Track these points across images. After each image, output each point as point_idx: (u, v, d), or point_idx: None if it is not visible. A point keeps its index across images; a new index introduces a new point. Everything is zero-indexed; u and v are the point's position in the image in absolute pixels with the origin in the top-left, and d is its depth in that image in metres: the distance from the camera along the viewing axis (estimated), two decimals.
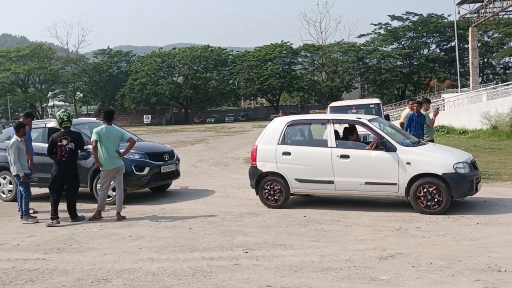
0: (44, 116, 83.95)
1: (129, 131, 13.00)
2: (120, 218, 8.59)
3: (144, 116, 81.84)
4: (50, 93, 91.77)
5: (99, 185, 9.25)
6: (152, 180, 10.49)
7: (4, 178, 11.04)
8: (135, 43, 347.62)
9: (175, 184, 11.90)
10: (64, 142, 8.55)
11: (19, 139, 8.86)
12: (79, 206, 10.05)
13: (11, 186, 10.97)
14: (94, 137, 8.60)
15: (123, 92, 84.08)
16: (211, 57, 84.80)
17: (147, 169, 10.27)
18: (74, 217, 8.68)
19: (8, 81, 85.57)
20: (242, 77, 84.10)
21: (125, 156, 10.03)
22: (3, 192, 11.11)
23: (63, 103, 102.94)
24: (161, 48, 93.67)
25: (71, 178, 8.74)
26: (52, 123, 11.27)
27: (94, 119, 13.02)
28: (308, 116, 10.51)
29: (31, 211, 9.06)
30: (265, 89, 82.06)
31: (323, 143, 8.80)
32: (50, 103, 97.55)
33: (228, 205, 9.57)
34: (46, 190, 11.52)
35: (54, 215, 8.50)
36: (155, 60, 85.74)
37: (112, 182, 8.98)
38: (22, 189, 8.86)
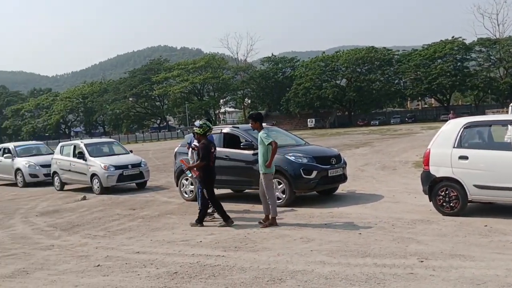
0: (217, 122, 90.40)
1: (295, 134, 13.38)
2: (274, 222, 8.58)
3: (308, 119, 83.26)
4: (221, 100, 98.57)
5: (266, 190, 8.89)
6: (319, 184, 10.61)
7: (186, 179, 12.09)
8: (299, 49, 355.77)
9: (341, 188, 11.87)
10: (213, 149, 9.09)
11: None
12: (252, 207, 10.66)
13: (192, 187, 12.00)
14: (270, 139, 8.55)
15: (288, 96, 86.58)
16: (376, 58, 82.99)
17: (314, 173, 10.42)
18: (227, 219, 8.96)
19: (186, 91, 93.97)
20: (408, 77, 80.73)
21: (293, 160, 10.40)
22: (186, 192, 12.20)
23: (233, 109, 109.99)
24: (324, 52, 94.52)
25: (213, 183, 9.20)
26: (227, 129, 12.09)
27: (264, 124, 13.55)
28: (487, 117, 9.66)
29: (209, 210, 9.78)
30: (434, 88, 77.62)
31: (506, 146, 8.02)
32: (222, 110, 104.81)
33: (398, 211, 9.24)
34: (223, 191, 12.43)
35: (226, 217, 8.93)
36: (319, 64, 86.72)
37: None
38: (201, 190, 9.62)
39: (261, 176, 8.72)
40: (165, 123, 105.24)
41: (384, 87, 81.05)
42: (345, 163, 11.44)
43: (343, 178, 11.23)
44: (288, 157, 10.50)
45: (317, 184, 10.55)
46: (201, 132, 9.05)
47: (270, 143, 8.50)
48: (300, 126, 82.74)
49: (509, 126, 8.18)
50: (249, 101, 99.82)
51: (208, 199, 9.08)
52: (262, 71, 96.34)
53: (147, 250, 7.47)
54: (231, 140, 11.79)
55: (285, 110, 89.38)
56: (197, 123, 9.31)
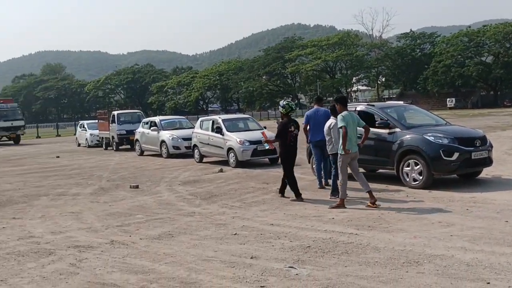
0: (349, 100, 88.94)
1: (435, 114, 12.66)
2: (373, 197, 8.56)
3: (448, 99, 78.27)
4: (354, 78, 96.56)
5: (339, 170, 8.92)
6: (461, 166, 9.97)
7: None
8: (440, 24, 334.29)
9: (485, 172, 11.05)
10: (292, 128, 9.48)
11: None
12: (386, 187, 10.39)
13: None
14: (342, 123, 8.58)
15: (426, 75, 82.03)
16: None
17: (456, 155, 9.80)
18: (298, 196, 9.51)
19: (319, 68, 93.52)
20: None
21: (432, 140, 9.88)
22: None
23: (365, 88, 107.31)
24: (469, 27, 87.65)
25: (294, 160, 9.71)
26: (361, 107, 11.84)
27: (401, 102, 13.06)
28: None
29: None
30: None
31: None
32: (354, 88, 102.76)
33: None
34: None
35: (298, 193, 9.51)
36: (461, 40, 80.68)
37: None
38: (334, 167, 9.60)
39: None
40: (296, 101, 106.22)
41: None
42: (491, 145, 10.61)
43: (488, 161, 10.42)
44: (427, 137, 10.00)
45: (459, 167, 9.93)
46: (283, 112, 9.68)
47: (341, 127, 8.59)
48: (438, 106, 78.08)
49: None
50: (383, 79, 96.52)
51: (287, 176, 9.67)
52: (398, 47, 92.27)
53: (281, 223, 7.67)
54: (366, 118, 11.50)
55: (422, 89, 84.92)
56: (282, 103, 9.85)
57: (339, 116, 8.77)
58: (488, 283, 4.70)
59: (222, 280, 5.19)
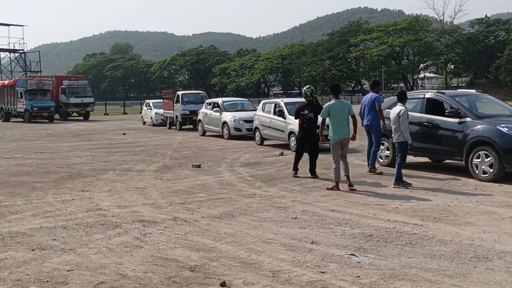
0: (414, 88, 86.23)
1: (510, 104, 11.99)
2: (351, 185, 9.10)
3: None
4: (421, 65, 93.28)
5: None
6: None
7: (383, 144, 11.80)
8: None
9: None
10: (306, 111, 10.54)
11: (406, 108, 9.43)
12: (453, 178, 10.00)
13: (388, 152, 11.71)
14: (324, 114, 9.50)
15: (499, 63, 77.95)
16: None
17: None
18: (313, 173, 10.59)
19: (384, 54, 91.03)
20: None
21: (505, 132, 9.38)
22: (381, 157, 11.94)
23: (433, 75, 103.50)
24: None
25: (311, 142, 10.64)
26: (430, 94, 11.43)
27: (473, 91, 12.47)
28: None
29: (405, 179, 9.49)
30: None
31: None
32: (421, 75, 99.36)
33: None
34: (421, 159, 11.93)
35: (294, 168, 10.73)
36: None
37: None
38: (400, 156, 9.35)
39: None
40: (359, 87, 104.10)
41: None
42: None
43: None
44: (500, 128, 9.50)
45: None
46: (304, 97, 10.96)
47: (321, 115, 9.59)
48: (510, 97, 74.25)
49: None
50: (452, 66, 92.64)
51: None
52: (470, 34, 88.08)
53: (342, 210, 7.56)
54: (434, 106, 11.11)
55: (493, 78, 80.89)
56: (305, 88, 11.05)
57: (324, 106, 9.55)
58: None
59: (282, 263, 5.19)
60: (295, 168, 10.82)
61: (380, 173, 10.77)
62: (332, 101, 9.46)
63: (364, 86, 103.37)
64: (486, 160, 9.58)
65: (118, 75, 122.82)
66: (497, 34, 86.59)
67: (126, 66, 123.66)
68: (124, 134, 23.88)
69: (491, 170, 9.52)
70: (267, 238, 6.10)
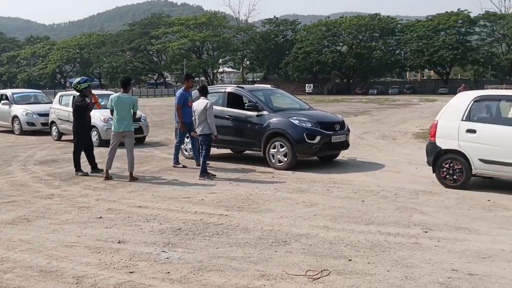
0: (214, 82, 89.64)
1: (299, 98, 13.19)
2: (133, 179, 9.41)
3: (306, 85, 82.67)
4: (220, 60, 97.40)
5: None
6: (322, 149, 10.56)
7: (187, 137, 11.93)
8: (301, 12, 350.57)
9: (342, 155, 11.85)
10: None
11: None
12: (253, 168, 10.62)
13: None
14: (109, 106, 9.61)
15: (288, 60, 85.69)
16: (378, 26, 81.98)
17: (318, 138, 10.33)
18: (94, 167, 10.39)
19: (186, 48, 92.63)
20: (409, 48, 79.96)
21: (297, 124, 10.29)
22: (186, 150, 12.10)
23: (231, 70, 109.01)
24: (328, 17, 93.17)
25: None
26: (231, 88, 11.92)
27: (269, 86, 13.42)
28: (498, 92, 9.59)
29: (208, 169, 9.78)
30: (434, 61, 77.09)
31: None
32: (220, 69, 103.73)
33: (400, 180, 9.23)
34: (223, 151, 12.39)
35: (77, 168, 10.23)
36: (320, 29, 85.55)
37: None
38: (205, 148, 9.57)
39: None
40: (162, 80, 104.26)
41: (385, 56, 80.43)
42: (348, 130, 11.36)
43: (345, 145, 11.17)
44: (292, 121, 10.40)
45: (320, 149, 10.49)
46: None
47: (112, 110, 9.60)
48: (298, 91, 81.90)
49: None
50: (248, 62, 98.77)
51: None
52: (262, 32, 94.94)
53: (149, 205, 7.44)
54: (235, 100, 11.64)
55: (283, 74, 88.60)
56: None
57: (110, 97, 9.73)
58: (350, 260, 5.01)
59: (87, 267, 4.87)
60: (78, 167, 10.26)
61: (184, 167, 10.86)
62: (118, 94, 9.65)
63: (167, 79, 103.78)
64: (281, 150, 10.40)
65: None
66: (285, 33, 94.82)
67: None
68: None
69: (286, 159, 10.37)
70: (69, 242, 5.68)
